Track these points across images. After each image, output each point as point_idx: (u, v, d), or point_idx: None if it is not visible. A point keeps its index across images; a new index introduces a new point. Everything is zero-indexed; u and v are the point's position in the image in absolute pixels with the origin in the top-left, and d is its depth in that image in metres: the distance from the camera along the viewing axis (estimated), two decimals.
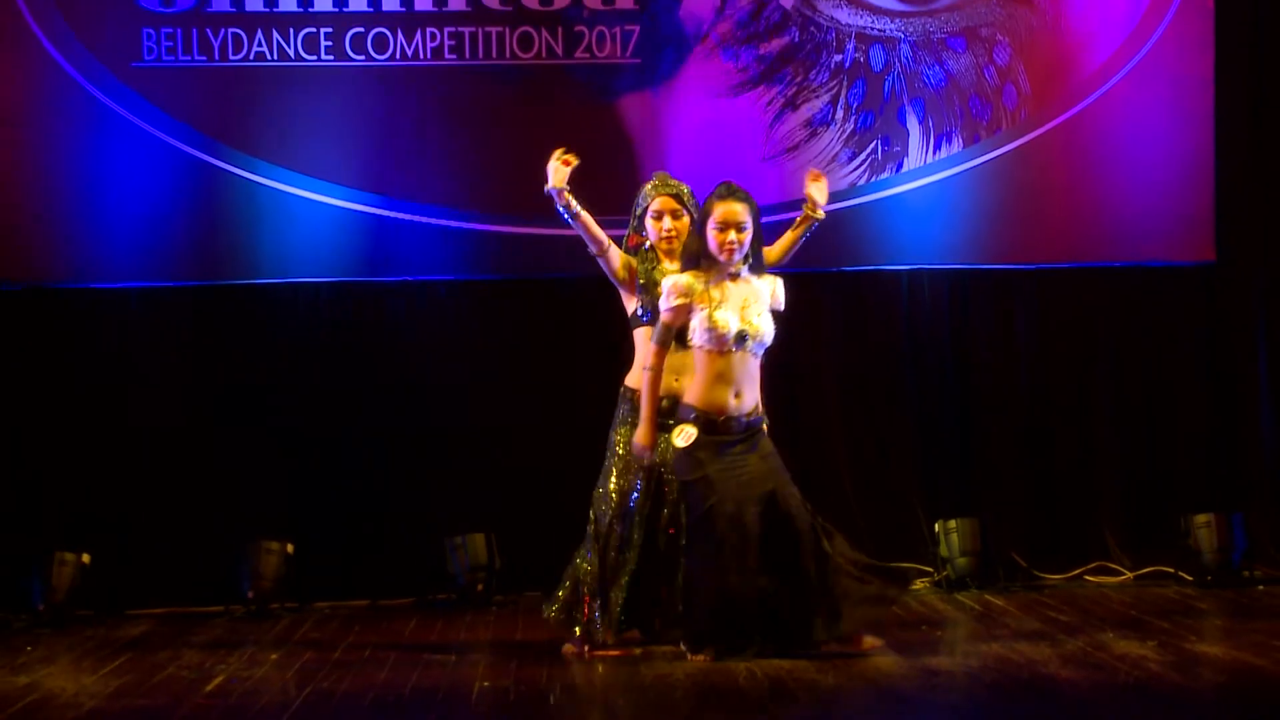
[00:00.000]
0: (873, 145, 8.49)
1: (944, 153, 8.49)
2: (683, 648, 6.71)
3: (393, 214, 8.37)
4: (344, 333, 8.52)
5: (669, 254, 6.92)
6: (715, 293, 6.59)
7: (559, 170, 6.81)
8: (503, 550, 8.26)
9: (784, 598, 6.62)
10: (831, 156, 8.45)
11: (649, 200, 6.95)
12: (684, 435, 6.63)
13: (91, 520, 8.23)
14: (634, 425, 6.83)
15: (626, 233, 7.04)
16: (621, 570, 6.88)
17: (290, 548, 8.17)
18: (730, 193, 6.66)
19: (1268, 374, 8.69)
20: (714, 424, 6.62)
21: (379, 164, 8.38)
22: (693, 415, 6.63)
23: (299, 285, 8.45)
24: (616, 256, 6.92)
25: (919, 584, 8.36)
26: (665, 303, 6.61)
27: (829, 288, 8.37)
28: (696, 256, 6.66)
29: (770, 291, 6.72)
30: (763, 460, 6.69)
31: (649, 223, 6.94)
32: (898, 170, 8.48)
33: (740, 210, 6.62)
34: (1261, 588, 8.20)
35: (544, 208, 8.28)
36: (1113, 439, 8.71)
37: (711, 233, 6.62)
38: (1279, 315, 8.69)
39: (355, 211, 8.37)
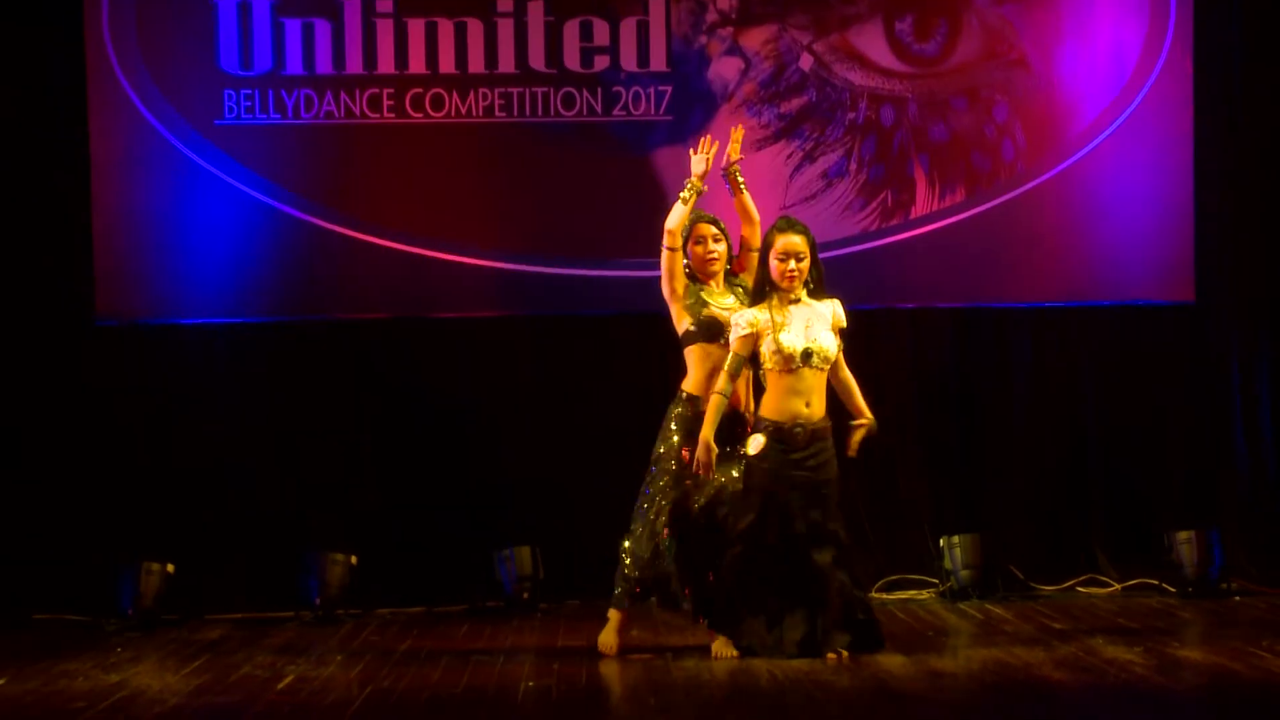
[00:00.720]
0: (883, 195, 8.49)
1: (948, 201, 8.48)
2: (705, 624, 6.81)
3: (447, 256, 8.39)
4: (400, 363, 8.55)
5: (709, 276, 6.95)
6: (779, 317, 6.64)
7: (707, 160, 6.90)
8: (546, 562, 8.25)
9: (795, 607, 6.66)
10: (845, 205, 8.46)
11: (696, 229, 6.94)
12: (755, 444, 6.67)
13: (176, 533, 8.25)
14: (687, 433, 6.82)
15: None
16: (662, 560, 6.84)
17: (354, 559, 8.18)
18: (790, 225, 6.72)
19: (1242, 404, 8.68)
20: (783, 431, 6.64)
21: (434, 211, 8.41)
22: (765, 426, 6.66)
23: (360, 321, 8.49)
24: (680, 260, 6.91)
25: (925, 594, 8.36)
26: (735, 334, 6.67)
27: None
28: (763, 285, 6.71)
29: (831, 313, 6.74)
30: (819, 484, 6.70)
31: (692, 248, 6.94)
32: (906, 217, 8.47)
33: (799, 241, 6.67)
34: (1237, 599, 8.16)
35: (584, 251, 8.38)
36: (1102, 462, 8.70)
37: (774, 263, 6.67)
38: (1252, 350, 8.67)
39: (412, 254, 8.38)
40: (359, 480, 8.44)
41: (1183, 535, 8.29)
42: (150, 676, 6.73)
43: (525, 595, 8.17)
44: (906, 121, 8.51)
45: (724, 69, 8.49)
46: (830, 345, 6.68)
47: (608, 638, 6.96)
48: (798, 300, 6.69)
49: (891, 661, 6.59)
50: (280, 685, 6.45)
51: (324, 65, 8.37)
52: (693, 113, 8.47)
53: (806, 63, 8.49)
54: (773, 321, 6.64)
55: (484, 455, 8.48)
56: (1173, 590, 8.30)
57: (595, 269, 8.36)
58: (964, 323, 8.68)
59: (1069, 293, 8.59)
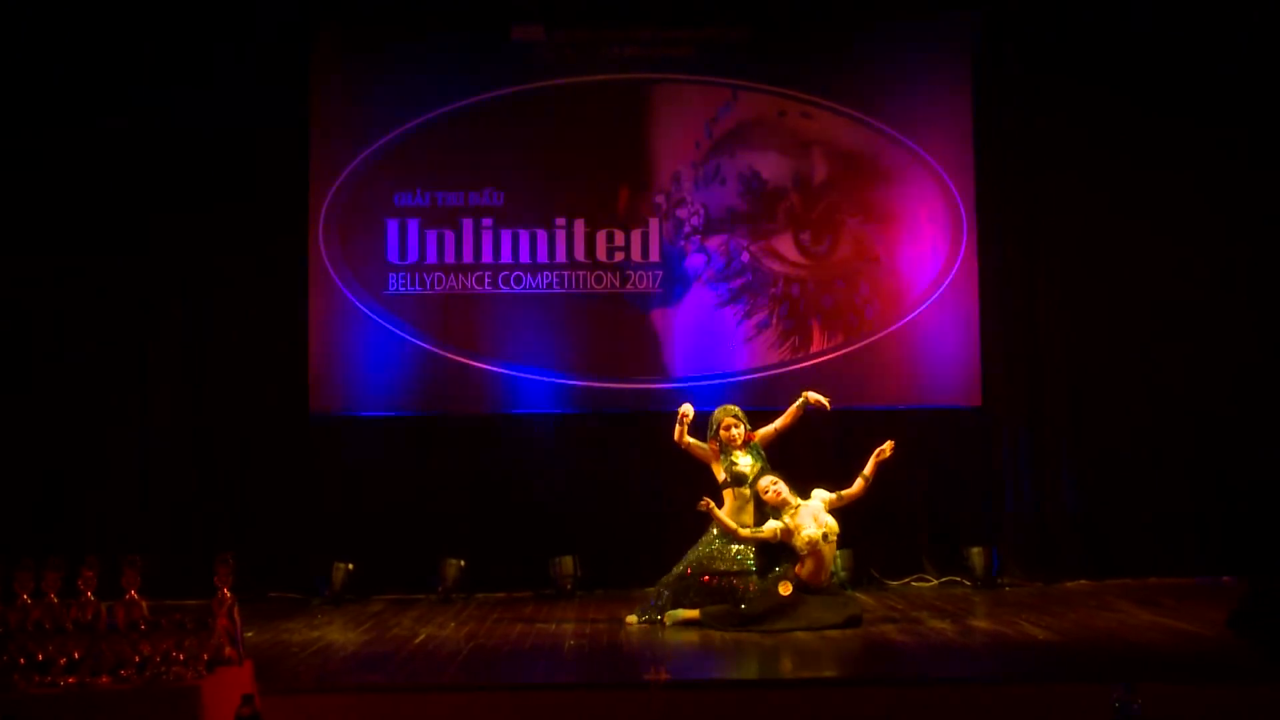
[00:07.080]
0: (793, 338, 8.48)
1: (832, 343, 8.49)
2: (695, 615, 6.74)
3: (522, 374, 8.38)
4: (493, 442, 8.41)
5: (737, 447, 6.94)
6: (792, 522, 6.61)
7: (680, 429, 6.81)
8: (582, 565, 8.20)
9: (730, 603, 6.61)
10: (770, 344, 8.47)
11: (720, 420, 6.94)
12: (786, 587, 6.55)
13: (356, 545, 8.18)
14: (716, 542, 6.79)
15: (708, 437, 7.02)
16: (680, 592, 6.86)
17: (462, 563, 8.13)
18: (759, 477, 6.69)
19: (1010, 469, 8.57)
20: (809, 586, 6.58)
21: (515, 345, 8.37)
22: (796, 580, 6.57)
23: (468, 414, 8.40)
24: (712, 455, 6.91)
25: None
26: (772, 526, 6.63)
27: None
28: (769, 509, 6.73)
29: (822, 500, 6.64)
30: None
31: (721, 432, 6.95)
32: (807, 352, 8.45)
33: (771, 480, 6.66)
34: (1007, 589, 8.12)
35: (607, 371, 8.32)
36: (926, 506, 8.58)
37: (765, 497, 6.68)
38: (1016, 436, 8.57)
39: (501, 373, 8.37)
40: (469, 512, 8.35)
41: (975, 549, 8.26)
42: (337, 633, 6.78)
43: (568, 587, 8.10)
44: (807, 294, 8.44)
45: (695, 261, 8.49)
46: (834, 522, 6.55)
47: (630, 617, 6.96)
48: (796, 507, 6.66)
49: (804, 632, 6.51)
50: (416, 640, 6.48)
51: (450, 257, 8.34)
52: (675, 288, 8.43)
53: (745, 257, 8.49)
54: (791, 528, 6.58)
55: (544, 498, 8.37)
56: (969, 584, 8.25)
57: (613, 383, 8.38)
58: (844, 418, 8.38)
59: (908, 399, 8.50)
